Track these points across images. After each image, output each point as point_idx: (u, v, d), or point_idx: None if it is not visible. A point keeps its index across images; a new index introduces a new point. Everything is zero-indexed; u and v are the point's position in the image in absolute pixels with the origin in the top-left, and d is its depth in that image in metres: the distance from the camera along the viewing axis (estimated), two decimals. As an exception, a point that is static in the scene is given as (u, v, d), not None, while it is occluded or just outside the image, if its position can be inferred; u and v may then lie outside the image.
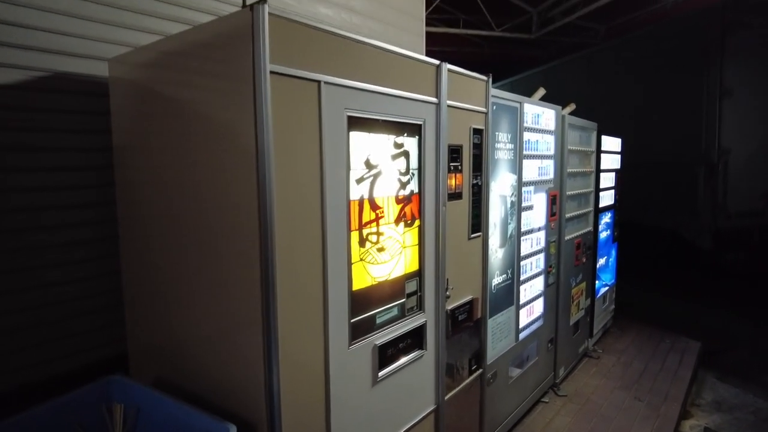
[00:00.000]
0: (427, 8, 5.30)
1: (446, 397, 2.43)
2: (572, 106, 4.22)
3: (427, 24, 5.00)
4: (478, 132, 2.56)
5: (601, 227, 4.81)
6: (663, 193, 7.68)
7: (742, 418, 3.86)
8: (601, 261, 4.95)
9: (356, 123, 1.79)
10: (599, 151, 4.67)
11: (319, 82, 1.62)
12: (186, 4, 2.62)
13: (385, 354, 1.99)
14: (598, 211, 4.70)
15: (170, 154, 1.86)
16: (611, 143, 5.06)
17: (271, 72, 1.44)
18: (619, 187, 5.36)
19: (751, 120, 6.74)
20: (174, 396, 1.68)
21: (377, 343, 1.94)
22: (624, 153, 5.53)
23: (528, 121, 3.26)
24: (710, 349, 5.09)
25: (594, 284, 4.75)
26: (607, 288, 5.22)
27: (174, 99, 1.81)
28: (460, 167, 2.41)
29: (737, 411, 3.96)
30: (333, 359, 1.74)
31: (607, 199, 4.99)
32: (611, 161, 5.11)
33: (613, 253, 5.44)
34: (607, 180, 5.01)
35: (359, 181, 1.84)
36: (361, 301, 1.87)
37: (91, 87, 2.22)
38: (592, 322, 4.78)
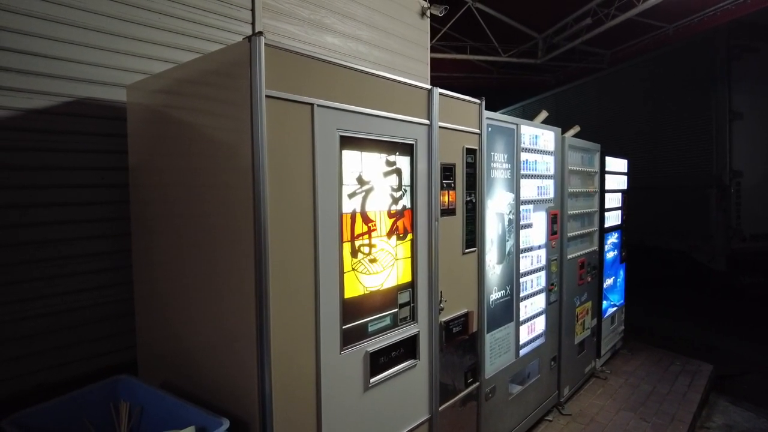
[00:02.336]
0: (435, 35, 5.52)
1: (441, 408, 2.49)
2: (576, 129, 4.32)
3: (436, 51, 5.21)
4: (471, 152, 2.69)
5: (607, 247, 4.84)
6: (675, 215, 7.65)
7: (754, 442, 3.79)
8: (609, 281, 4.95)
9: (348, 142, 1.94)
10: (603, 171, 4.74)
11: (312, 104, 1.78)
12: (197, 35, 2.84)
13: (378, 361, 2.08)
14: (604, 231, 4.74)
15: (177, 174, 2.03)
16: (616, 164, 5.13)
17: (267, 96, 1.61)
18: (626, 208, 5.40)
19: (762, 143, 6.74)
20: (176, 395, 1.80)
21: (369, 350, 2.04)
22: (632, 174, 5.58)
23: (525, 143, 3.38)
24: (723, 373, 5.00)
25: (600, 304, 4.75)
26: (615, 309, 5.20)
27: (182, 122, 1.99)
28: (453, 185, 2.53)
29: (748, 435, 3.88)
30: (324, 363, 1.84)
31: (613, 219, 5.02)
32: (617, 182, 5.17)
33: (621, 273, 5.44)
34: (614, 200, 5.06)
35: (351, 195, 1.97)
36: (353, 309, 1.98)
37: (110, 111, 2.42)
38: (599, 343, 4.76)
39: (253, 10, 3.06)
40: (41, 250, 2.24)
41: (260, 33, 1.59)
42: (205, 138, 1.85)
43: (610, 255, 4.94)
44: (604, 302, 4.84)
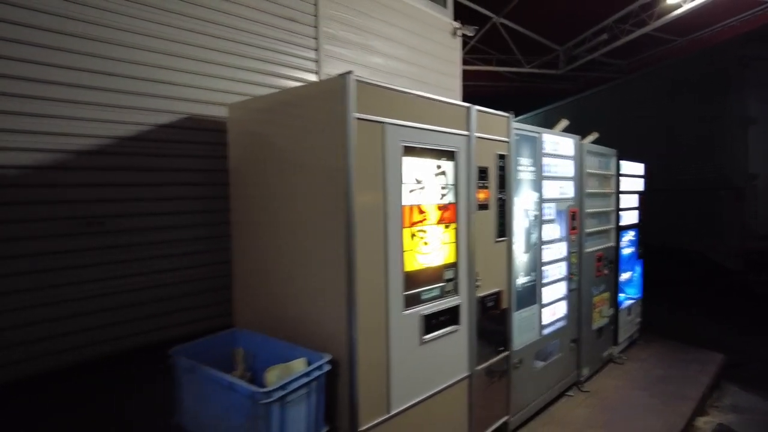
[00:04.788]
0: (463, 48, 6.04)
1: (477, 367, 3.02)
2: (595, 135, 4.81)
3: (465, 63, 5.75)
4: (502, 157, 3.22)
5: (624, 244, 5.29)
6: (694, 217, 7.99)
7: (758, 420, 4.19)
8: (626, 275, 5.39)
9: (408, 150, 2.51)
10: (619, 174, 5.20)
11: (383, 123, 2.35)
12: (274, 60, 3.45)
13: (429, 322, 2.63)
14: (620, 229, 5.19)
15: (274, 174, 2.62)
16: (632, 168, 5.57)
17: (354, 117, 2.18)
18: (642, 208, 5.82)
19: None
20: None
21: (423, 313, 2.59)
22: (651, 177, 6.00)
23: (547, 149, 3.89)
24: (735, 362, 5.37)
25: (617, 295, 5.19)
26: (632, 301, 5.63)
27: (279, 134, 2.59)
28: (487, 184, 3.07)
29: (753, 413, 4.28)
30: (391, 319, 2.41)
31: (629, 218, 5.47)
32: (633, 184, 5.61)
33: (638, 269, 5.86)
34: (630, 201, 5.51)
35: (410, 191, 2.53)
36: (411, 280, 2.54)
37: (213, 125, 3.05)
38: (616, 331, 5.21)
39: (317, 38, 3.67)
40: (164, 233, 2.87)
41: (350, 72, 2.18)
42: (302, 146, 2.44)
43: (627, 251, 5.39)
44: (621, 294, 5.28)
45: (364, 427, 2.29)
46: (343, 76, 2.17)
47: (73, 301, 2.60)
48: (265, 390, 1.86)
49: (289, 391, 1.94)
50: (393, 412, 2.45)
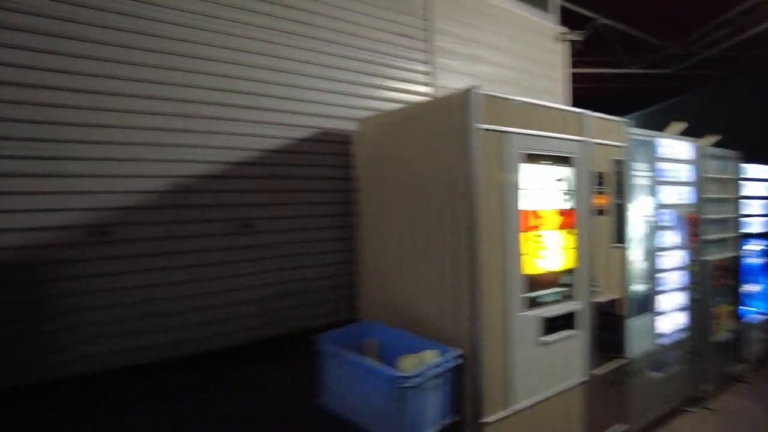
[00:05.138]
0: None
1: (594, 373, 3.01)
2: (714, 138, 4.54)
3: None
4: (617, 162, 3.20)
5: (750, 253, 4.90)
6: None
7: None
8: (751, 287, 4.97)
9: (526, 157, 2.61)
10: (741, 178, 4.84)
11: (503, 132, 2.49)
12: (391, 75, 3.74)
13: (547, 325, 2.70)
14: (743, 237, 4.81)
15: (398, 182, 2.86)
16: (759, 171, 5.15)
17: (477, 128, 2.35)
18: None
19: None
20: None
21: (541, 315, 2.67)
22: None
23: (663, 153, 3.77)
24: None
25: (739, 308, 4.81)
26: (762, 317, 5.16)
27: (403, 145, 2.82)
28: (604, 190, 3.08)
29: None
30: (511, 320, 2.52)
31: (758, 225, 5.05)
32: (761, 189, 5.18)
33: (766, 281, 5.37)
34: (757, 207, 5.09)
35: (526, 197, 2.63)
36: (529, 283, 2.63)
37: (341, 138, 3.39)
38: (740, 347, 4.82)
39: (428, 52, 3.92)
40: (298, 233, 3.25)
41: (475, 87, 2.35)
42: (426, 156, 2.65)
43: (753, 261, 4.97)
44: (745, 308, 4.88)
45: (487, 420, 2.42)
46: (468, 91, 2.35)
47: (225, 293, 3.02)
48: (404, 375, 2.08)
49: (424, 379, 2.13)
50: (513, 409, 2.56)
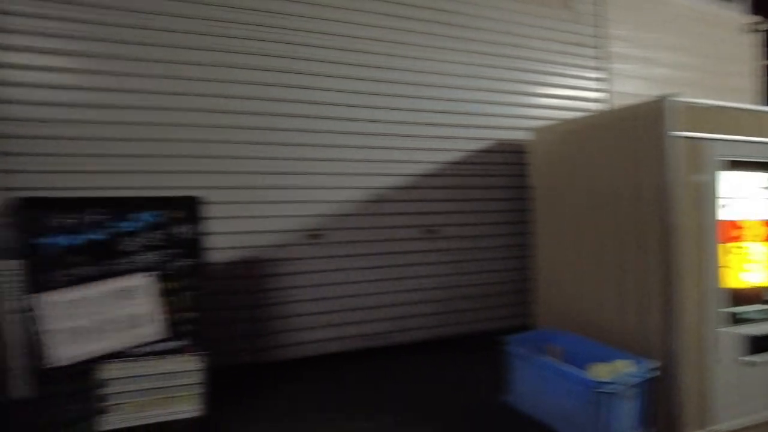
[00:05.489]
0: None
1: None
2: None
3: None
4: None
5: None
6: None
7: None
8: None
9: (725, 164, 2.46)
10: None
11: (698, 138, 2.39)
12: (567, 84, 3.79)
13: (751, 344, 2.50)
14: None
15: (579, 190, 2.89)
16: None
17: (670, 135, 2.31)
18: None
19: None
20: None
21: (742, 332, 2.48)
22: None
23: None
24: None
25: None
26: None
27: (586, 153, 2.85)
28: (821, 198, 2.73)
29: None
30: (706, 335, 2.40)
31: None
32: None
33: None
34: None
35: (726, 206, 2.48)
36: (729, 297, 2.47)
37: (514, 147, 3.55)
38: None
39: (600, 58, 3.90)
40: (477, 240, 3.48)
41: (669, 95, 2.31)
42: (612, 164, 2.66)
43: None
44: None
45: (683, 438, 2.35)
46: (661, 98, 2.33)
47: (409, 292, 3.37)
48: (600, 380, 2.14)
49: (622, 387, 2.16)
50: (711, 430, 2.43)
